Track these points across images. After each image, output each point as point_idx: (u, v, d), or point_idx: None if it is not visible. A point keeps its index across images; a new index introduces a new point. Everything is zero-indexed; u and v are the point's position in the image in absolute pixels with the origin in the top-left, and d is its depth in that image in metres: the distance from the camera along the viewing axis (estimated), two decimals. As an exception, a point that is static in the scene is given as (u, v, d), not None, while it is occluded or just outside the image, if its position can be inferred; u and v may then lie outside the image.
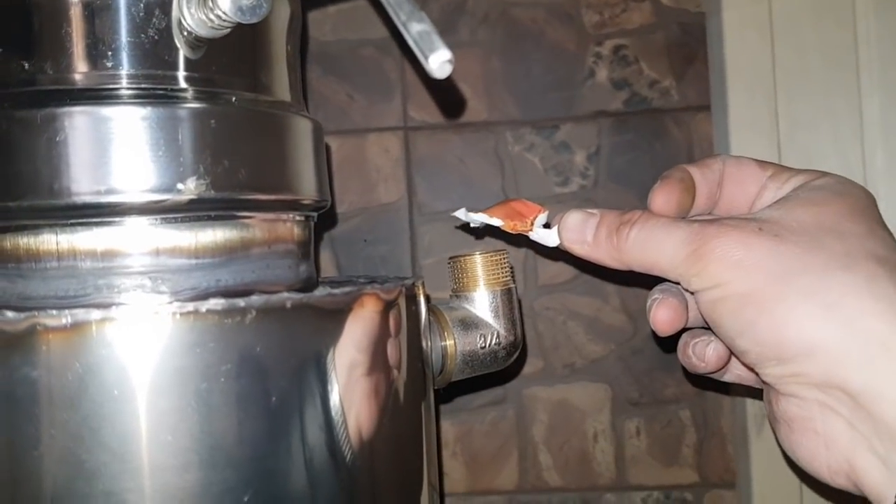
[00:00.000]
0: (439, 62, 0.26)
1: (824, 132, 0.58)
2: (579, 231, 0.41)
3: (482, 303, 0.44)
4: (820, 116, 0.58)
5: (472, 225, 0.45)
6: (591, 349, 0.63)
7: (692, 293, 0.37)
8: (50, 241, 0.33)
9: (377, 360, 0.35)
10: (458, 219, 0.45)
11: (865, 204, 0.38)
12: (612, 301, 0.63)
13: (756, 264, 0.35)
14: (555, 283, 0.63)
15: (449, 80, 0.62)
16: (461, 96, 0.63)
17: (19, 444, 0.30)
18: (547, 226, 0.43)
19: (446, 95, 0.63)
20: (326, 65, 0.64)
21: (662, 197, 0.40)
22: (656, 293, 0.42)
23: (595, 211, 0.41)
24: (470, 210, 0.45)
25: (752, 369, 0.37)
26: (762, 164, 0.41)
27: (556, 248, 0.42)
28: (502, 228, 0.43)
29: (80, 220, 0.33)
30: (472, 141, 0.63)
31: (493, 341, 0.43)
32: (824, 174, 0.39)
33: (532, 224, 0.43)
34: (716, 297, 0.36)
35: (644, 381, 0.63)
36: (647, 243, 0.38)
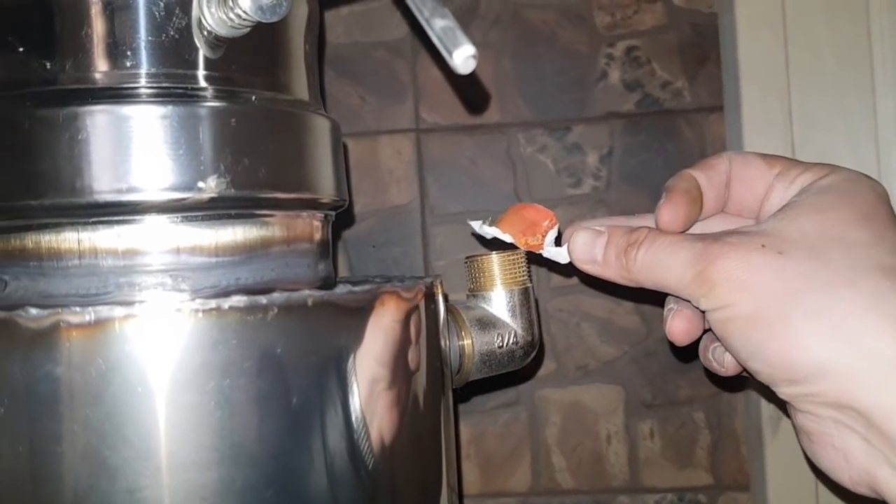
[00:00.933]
0: (463, 58, 0.26)
1: (838, 132, 0.58)
2: (588, 252, 0.41)
3: (499, 302, 0.44)
4: (834, 116, 0.58)
5: (485, 237, 0.46)
6: (605, 351, 0.63)
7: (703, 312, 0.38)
8: (71, 239, 0.34)
9: (398, 358, 0.35)
10: (472, 226, 0.46)
11: (874, 203, 0.37)
12: (625, 303, 0.63)
13: (760, 285, 0.35)
14: (568, 285, 0.63)
15: (472, 76, 0.62)
16: (485, 91, 0.63)
17: (42, 440, 0.30)
18: (558, 240, 0.44)
19: (469, 92, 0.63)
20: (339, 67, 0.64)
21: (669, 213, 0.39)
22: (671, 303, 0.42)
23: (603, 228, 0.41)
24: (485, 223, 0.45)
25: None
26: (769, 160, 0.41)
27: (569, 265, 0.42)
28: (515, 244, 0.44)
29: (102, 219, 0.33)
30: (484, 143, 0.63)
31: (511, 341, 0.43)
32: (833, 169, 0.38)
33: (543, 239, 0.43)
34: (725, 318, 0.36)
35: (657, 382, 0.63)
36: (654, 265, 0.38)
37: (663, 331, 0.58)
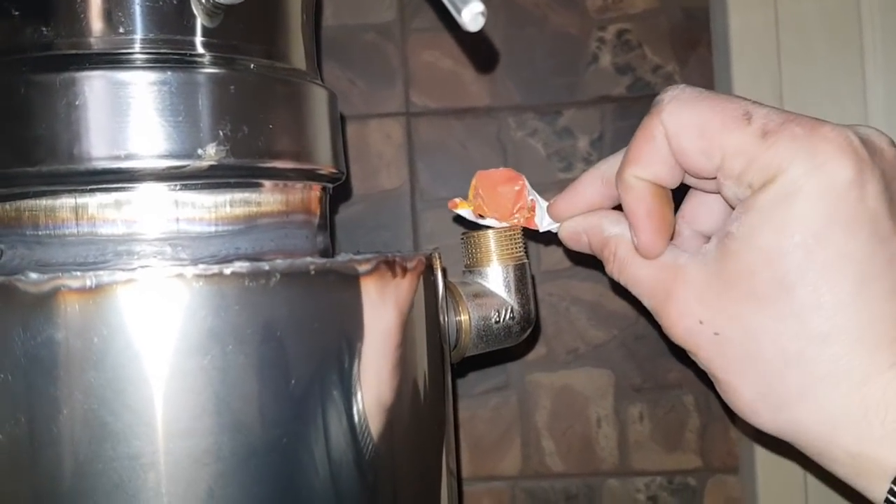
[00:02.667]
0: (472, 14, 0.26)
1: (829, 116, 0.57)
2: (576, 245, 0.43)
3: (495, 278, 0.44)
4: (825, 100, 0.58)
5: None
6: (594, 335, 0.63)
7: None
8: (69, 207, 0.33)
9: (399, 327, 0.35)
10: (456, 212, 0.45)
11: (849, 217, 0.32)
12: (623, 290, 0.63)
13: (704, 348, 0.36)
14: (557, 269, 0.63)
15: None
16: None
17: (43, 407, 0.29)
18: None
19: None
20: (327, 50, 0.63)
21: (648, 246, 0.38)
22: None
23: (581, 229, 0.42)
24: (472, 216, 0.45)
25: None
26: (704, 133, 0.34)
27: None
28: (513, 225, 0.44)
29: (100, 186, 0.33)
30: (475, 127, 0.63)
31: (508, 315, 0.43)
32: (786, 171, 0.33)
33: (531, 214, 0.43)
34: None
35: (647, 366, 0.63)
36: (629, 284, 0.40)
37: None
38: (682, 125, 0.35)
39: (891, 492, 0.31)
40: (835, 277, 0.32)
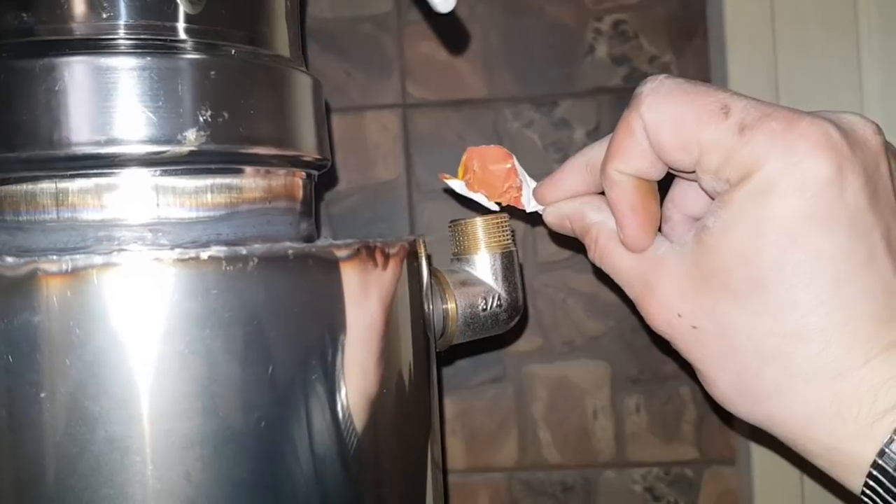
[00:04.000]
0: (442, -4, 0.26)
1: (825, 105, 0.56)
2: (561, 229, 0.43)
3: (483, 265, 0.43)
4: (821, 90, 0.58)
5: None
6: (591, 326, 0.63)
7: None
8: (49, 192, 0.33)
9: (379, 312, 0.35)
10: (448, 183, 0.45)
11: (826, 215, 0.32)
12: (611, 278, 0.62)
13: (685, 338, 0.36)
14: (554, 261, 0.63)
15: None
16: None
17: (20, 391, 0.29)
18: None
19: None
20: (324, 41, 0.63)
21: (634, 243, 0.38)
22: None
23: (565, 214, 0.42)
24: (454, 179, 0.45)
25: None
26: (682, 128, 0.34)
27: None
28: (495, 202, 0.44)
29: (80, 172, 0.33)
30: (471, 118, 0.63)
31: (495, 303, 0.43)
32: (762, 168, 0.32)
33: (519, 192, 0.43)
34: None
35: (644, 357, 0.63)
36: (610, 272, 0.40)
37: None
38: (660, 119, 0.34)
39: (867, 485, 0.31)
40: (810, 276, 0.32)
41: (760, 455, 0.59)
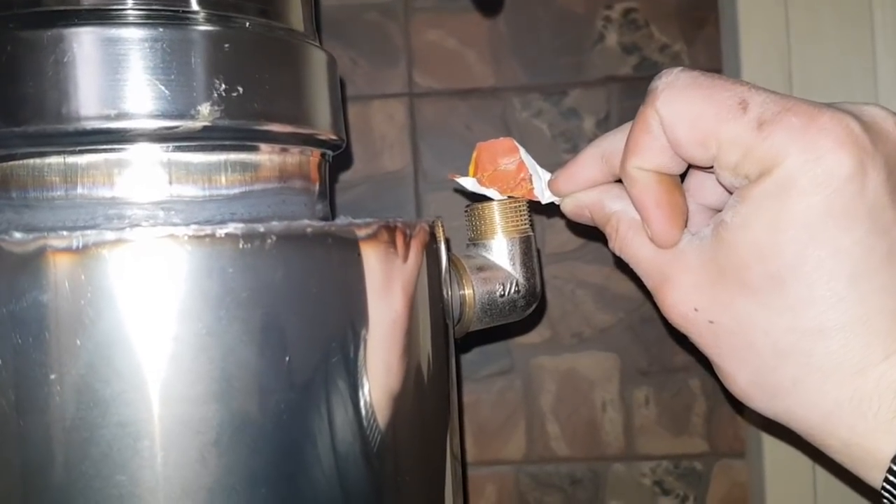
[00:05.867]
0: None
1: (838, 95, 0.57)
2: (580, 219, 0.42)
3: (500, 250, 0.42)
4: (834, 79, 0.57)
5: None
6: (600, 318, 0.62)
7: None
8: (57, 168, 0.32)
9: (400, 294, 0.34)
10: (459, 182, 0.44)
11: (846, 212, 0.31)
12: (620, 270, 0.62)
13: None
14: (563, 252, 0.62)
15: None
16: None
17: (28, 372, 0.28)
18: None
19: None
20: (330, 29, 0.62)
21: (662, 238, 0.37)
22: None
23: (584, 204, 0.41)
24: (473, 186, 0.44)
25: None
26: (699, 123, 0.33)
27: None
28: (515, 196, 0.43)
29: (89, 147, 0.32)
30: (479, 107, 0.62)
31: (513, 289, 0.42)
32: (782, 164, 0.31)
33: (531, 185, 0.42)
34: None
35: (653, 349, 0.62)
36: (629, 262, 0.39)
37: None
38: (677, 115, 0.34)
39: (886, 480, 0.31)
40: (829, 273, 0.31)
41: (772, 448, 0.59)
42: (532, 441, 0.62)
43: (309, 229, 0.31)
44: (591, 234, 0.60)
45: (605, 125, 0.61)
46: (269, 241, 0.30)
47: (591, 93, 0.62)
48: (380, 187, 0.62)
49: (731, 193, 0.35)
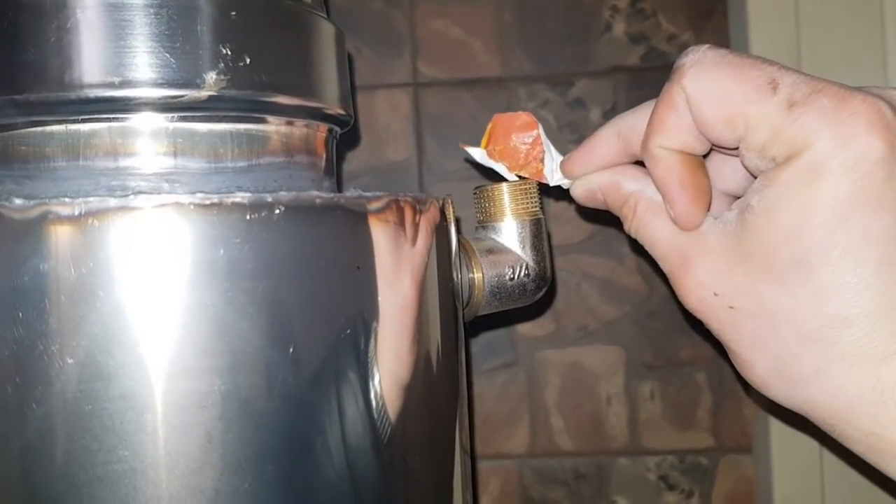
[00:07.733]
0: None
1: (848, 84, 0.56)
2: (591, 202, 0.41)
3: (510, 233, 0.41)
4: (844, 69, 0.56)
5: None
6: (605, 311, 0.61)
7: None
8: (59, 137, 0.31)
9: (408, 267, 0.33)
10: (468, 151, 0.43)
11: (875, 197, 0.31)
12: (626, 262, 0.61)
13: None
14: (568, 244, 0.61)
15: None
16: None
17: (29, 344, 0.27)
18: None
19: None
20: (334, 17, 0.61)
21: (686, 219, 0.36)
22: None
23: (597, 186, 0.40)
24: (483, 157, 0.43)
25: None
26: (727, 102, 0.32)
27: None
28: (522, 176, 0.42)
29: (92, 116, 0.31)
30: (485, 98, 0.61)
31: (522, 272, 0.41)
32: (812, 146, 0.31)
33: (541, 165, 0.41)
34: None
35: (659, 343, 0.61)
36: (646, 244, 0.38)
37: (665, 291, 0.57)
38: (704, 92, 0.33)
39: None
40: (857, 259, 0.31)
41: (778, 443, 0.58)
42: (536, 435, 0.61)
43: (318, 200, 0.30)
44: (601, 219, 0.60)
45: (612, 116, 0.60)
46: (277, 211, 0.29)
47: (597, 83, 0.61)
48: (384, 178, 0.62)
49: (753, 177, 0.34)
